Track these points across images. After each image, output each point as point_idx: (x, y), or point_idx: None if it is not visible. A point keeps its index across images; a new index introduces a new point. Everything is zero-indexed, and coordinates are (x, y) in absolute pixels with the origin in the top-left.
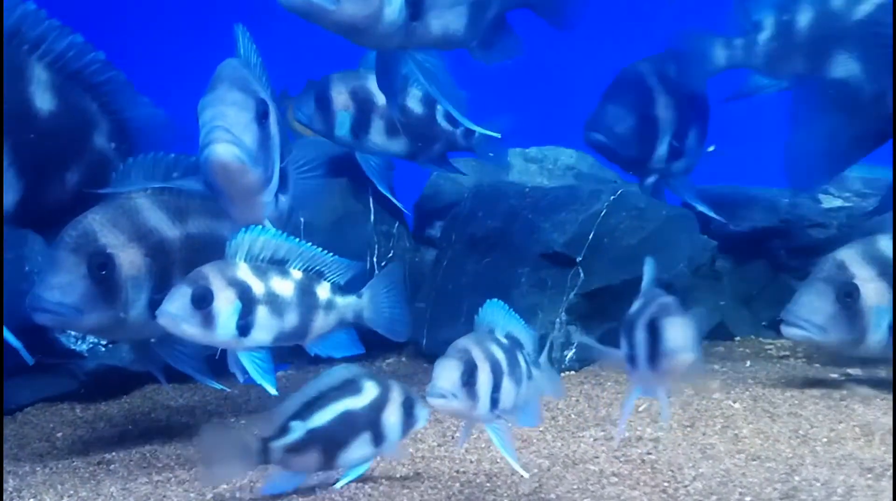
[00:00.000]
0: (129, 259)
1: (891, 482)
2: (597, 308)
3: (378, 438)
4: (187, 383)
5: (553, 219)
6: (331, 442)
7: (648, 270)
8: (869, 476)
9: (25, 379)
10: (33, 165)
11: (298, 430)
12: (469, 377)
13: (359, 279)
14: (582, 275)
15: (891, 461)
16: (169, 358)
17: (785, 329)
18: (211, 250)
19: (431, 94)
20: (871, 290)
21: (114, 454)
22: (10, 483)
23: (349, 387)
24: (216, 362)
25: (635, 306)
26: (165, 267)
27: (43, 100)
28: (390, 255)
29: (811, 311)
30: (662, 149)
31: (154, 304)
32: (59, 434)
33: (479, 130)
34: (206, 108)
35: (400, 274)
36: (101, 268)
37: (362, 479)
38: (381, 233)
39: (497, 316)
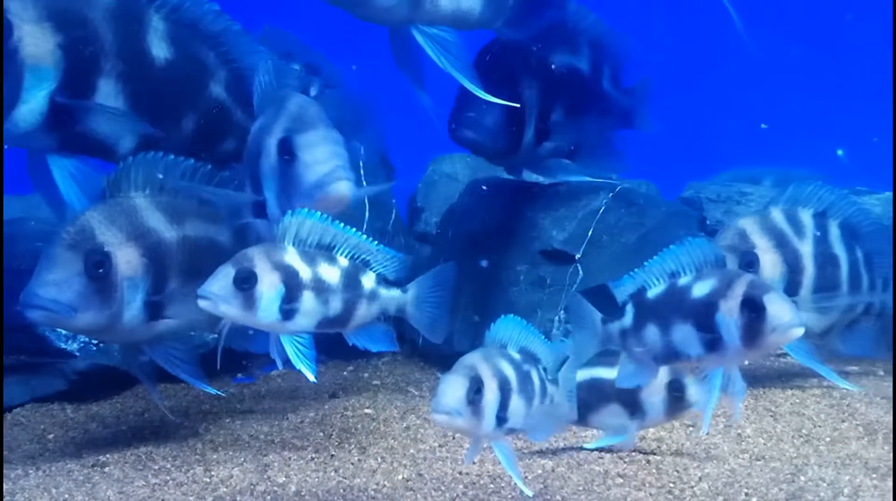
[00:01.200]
0: (126, 259)
1: None
2: (597, 306)
3: None
4: (179, 382)
5: (552, 215)
6: None
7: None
8: (874, 475)
9: (15, 379)
10: (150, 111)
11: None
12: (474, 395)
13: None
14: (581, 273)
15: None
16: (162, 362)
17: None
18: (208, 253)
19: (444, 69)
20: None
21: (108, 455)
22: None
23: None
24: (208, 365)
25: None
26: (162, 269)
27: (160, 48)
28: None
29: None
30: (529, 134)
31: (149, 306)
32: (51, 436)
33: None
34: (314, 146)
35: (450, 274)
36: (97, 266)
37: (360, 478)
38: (375, 230)
39: (511, 331)
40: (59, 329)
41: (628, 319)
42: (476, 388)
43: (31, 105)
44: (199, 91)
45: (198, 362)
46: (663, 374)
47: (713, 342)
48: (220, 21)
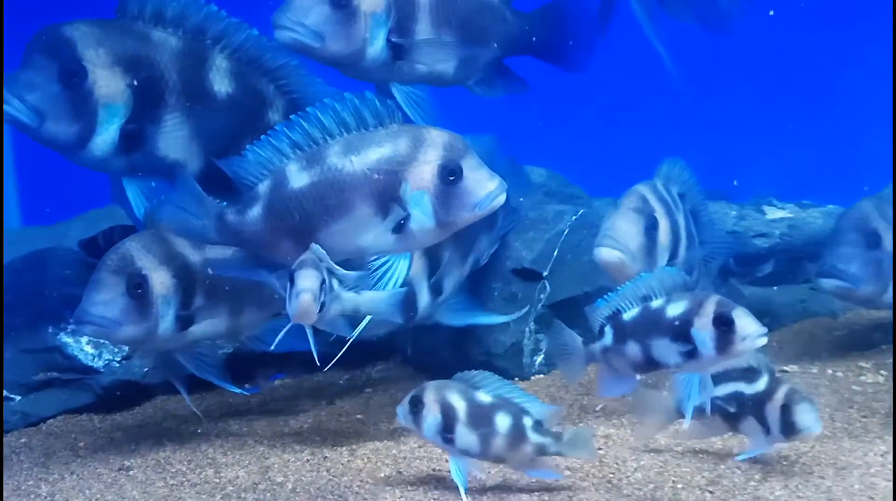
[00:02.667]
0: (160, 280)
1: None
2: (562, 318)
3: None
4: (193, 393)
5: (522, 238)
6: None
7: None
8: (784, 462)
9: (48, 393)
10: (212, 139)
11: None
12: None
13: None
14: (548, 288)
15: (806, 449)
16: (192, 367)
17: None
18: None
19: (414, 120)
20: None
21: (132, 461)
22: (42, 489)
23: None
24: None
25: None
26: (190, 287)
27: (221, 84)
28: None
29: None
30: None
31: (180, 319)
32: (82, 444)
33: None
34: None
35: None
36: (137, 287)
37: (348, 476)
38: None
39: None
40: (86, 350)
41: (608, 338)
42: (418, 408)
43: (104, 136)
44: (258, 120)
45: (223, 366)
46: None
47: (690, 353)
48: (279, 57)
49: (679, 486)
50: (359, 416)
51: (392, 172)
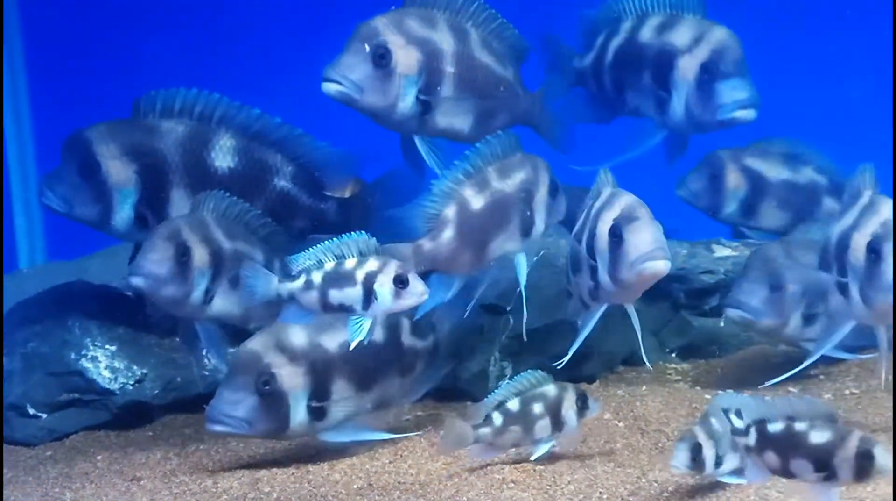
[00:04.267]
0: (198, 254)
1: None
2: (523, 346)
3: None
4: (199, 413)
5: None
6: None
7: None
8: (697, 476)
9: (71, 412)
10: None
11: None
12: None
13: None
14: (511, 321)
15: None
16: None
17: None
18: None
19: (433, 168)
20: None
21: (142, 472)
22: (67, 496)
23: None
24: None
25: None
26: (218, 265)
27: (224, 160)
28: None
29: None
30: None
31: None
32: (99, 457)
33: None
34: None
35: None
36: (182, 255)
37: (326, 487)
38: None
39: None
40: (103, 374)
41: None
42: None
43: (122, 215)
44: (265, 187)
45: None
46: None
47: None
48: (282, 130)
49: (605, 497)
50: None
51: (528, 190)
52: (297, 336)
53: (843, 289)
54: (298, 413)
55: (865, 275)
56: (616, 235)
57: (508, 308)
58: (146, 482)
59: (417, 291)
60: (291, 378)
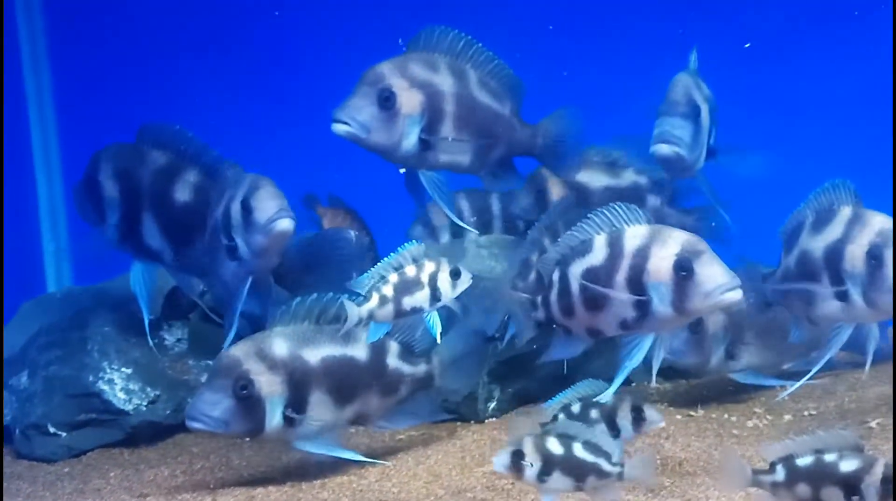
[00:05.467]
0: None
1: None
2: (510, 371)
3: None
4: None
5: (480, 305)
6: None
7: None
8: (650, 494)
9: (88, 430)
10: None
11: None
12: None
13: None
14: (499, 347)
15: (668, 483)
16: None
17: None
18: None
19: (436, 201)
20: None
21: (149, 489)
22: None
23: None
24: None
25: None
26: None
27: (183, 193)
28: None
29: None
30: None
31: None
32: (112, 474)
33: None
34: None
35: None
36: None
37: None
38: None
39: None
40: (119, 396)
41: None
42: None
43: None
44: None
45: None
46: (879, 468)
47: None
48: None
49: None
50: None
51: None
52: (279, 346)
53: (842, 296)
54: (274, 419)
55: (868, 280)
56: (683, 269)
57: (496, 335)
58: (152, 498)
59: (466, 278)
60: (269, 386)
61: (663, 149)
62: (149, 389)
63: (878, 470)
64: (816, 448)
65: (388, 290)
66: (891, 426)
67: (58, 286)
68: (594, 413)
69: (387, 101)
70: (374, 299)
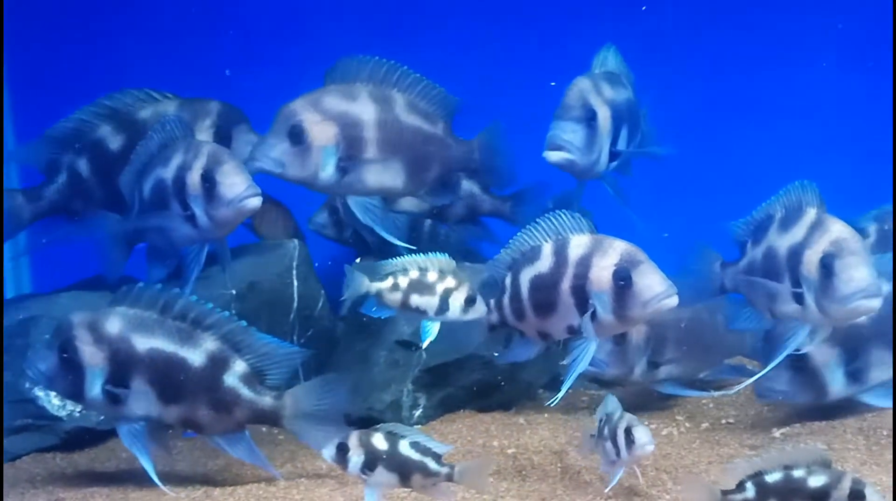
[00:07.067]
0: None
1: None
2: (435, 379)
3: None
4: None
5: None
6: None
7: None
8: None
9: (24, 435)
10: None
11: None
12: None
13: None
14: (424, 355)
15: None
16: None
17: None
18: None
19: (369, 225)
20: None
21: (67, 493)
22: None
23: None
24: None
25: None
26: None
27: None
28: (309, 333)
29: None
30: None
31: None
32: (39, 478)
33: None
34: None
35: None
36: None
37: None
38: (303, 318)
39: None
40: (53, 402)
41: None
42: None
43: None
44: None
45: None
46: (847, 483)
47: None
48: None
49: None
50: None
51: None
52: (113, 324)
53: (798, 298)
54: (93, 389)
55: (819, 287)
56: (622, 279)
57: (423, 345)
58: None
59: (480, 309)
60: (91, 356)
61: (552, 156)
62: None
63: (846, 485)
64: (785, 464)
65: (403, 281)
66: (793, 434)
67: (16, 292)
68: (606, 432)
69: (298, 136)
70: (388, 282)
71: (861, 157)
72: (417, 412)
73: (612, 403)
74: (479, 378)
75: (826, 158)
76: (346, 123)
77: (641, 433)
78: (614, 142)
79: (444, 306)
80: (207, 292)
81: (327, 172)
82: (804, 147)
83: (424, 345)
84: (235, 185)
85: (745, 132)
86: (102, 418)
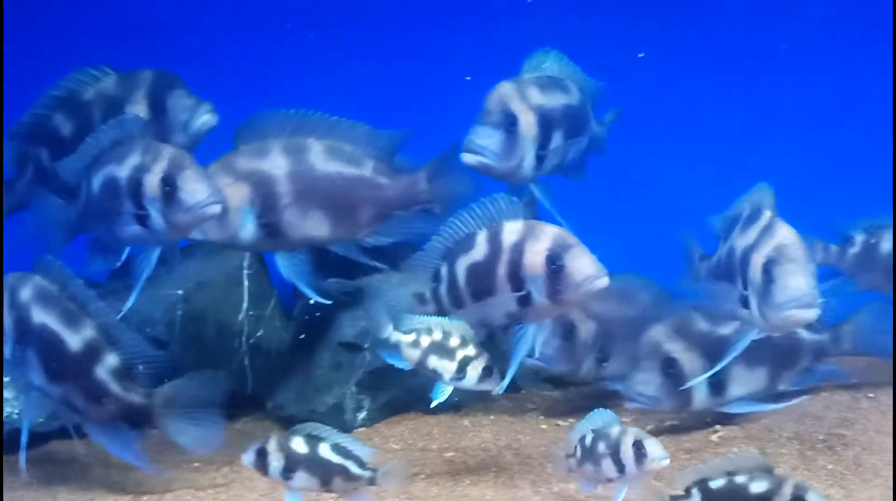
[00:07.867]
0: None
1: None
2: (380, 381)
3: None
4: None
5: (349, 315)
6: None
7: None
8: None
9: None
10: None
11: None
12: None
13: None
14: (368, 357)
15: None
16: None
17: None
18: None
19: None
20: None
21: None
22: None
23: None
24: None
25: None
26: None
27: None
28: (259, 334)
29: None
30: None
31: None
32: None
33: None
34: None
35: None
36: None
37: None
38: (252, 318)
39: None
40: None
41: None
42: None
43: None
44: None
45: None
46: (788, 488)
47: None
48: None
49: None
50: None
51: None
52: (24, 292)
53: (744, 301)
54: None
55: (760, 292)
56: (555, 263)
57: (366, 345)
58: None
59: (495, 381)
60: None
61: (466, 158)
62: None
63: (787, 491)
64: (728, 471)
65: (425, 340)
66: (731, 438)
67: None
68: (601, 447)
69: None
70: (411, 337)
71: (861, 158)
72: (361, 415)
73: (603, 416)
74: (424, 379)
75: (826, 158)
76: (257, 180)
77: (654, 447)
78: (543, 147)
79: (461, 373)
80: (156, 292)
81: (247, 232)
82: (804, 147)
83: (433, 406)
84: (198, 191)
85: (745, 132)
86: (42, 420)
